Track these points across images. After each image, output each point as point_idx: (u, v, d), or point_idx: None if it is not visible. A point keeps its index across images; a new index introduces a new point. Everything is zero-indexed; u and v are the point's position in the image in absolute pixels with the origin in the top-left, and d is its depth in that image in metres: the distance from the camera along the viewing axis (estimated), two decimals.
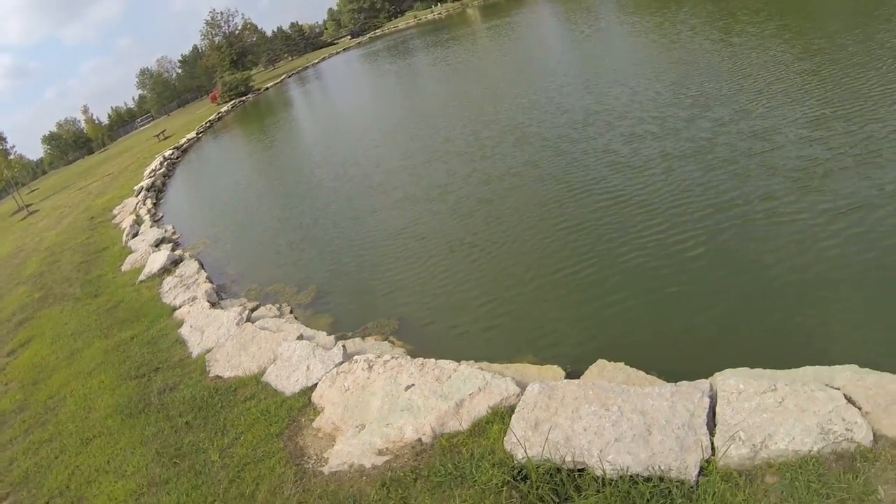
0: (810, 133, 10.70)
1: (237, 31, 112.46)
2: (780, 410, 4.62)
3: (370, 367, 7.01)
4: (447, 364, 6.62)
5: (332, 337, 8.80)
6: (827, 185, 8.91)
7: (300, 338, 8.64)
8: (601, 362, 6.37)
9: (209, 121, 58.71)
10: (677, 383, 5.42)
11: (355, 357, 7.40)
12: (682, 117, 13.41)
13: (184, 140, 47.34)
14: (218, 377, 8.65)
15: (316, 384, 7.32)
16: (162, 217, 23.98)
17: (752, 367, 5.57)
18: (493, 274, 9.80)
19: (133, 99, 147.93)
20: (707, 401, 4.94)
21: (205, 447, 7.04)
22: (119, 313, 13.03)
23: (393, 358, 7.05)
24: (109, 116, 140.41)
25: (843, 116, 10.95)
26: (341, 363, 7.43)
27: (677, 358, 6.64)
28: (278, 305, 11.08)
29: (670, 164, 11.29)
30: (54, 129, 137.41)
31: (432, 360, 6.81)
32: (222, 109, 67.25)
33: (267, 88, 79.71)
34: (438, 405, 5.99)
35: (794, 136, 10.73)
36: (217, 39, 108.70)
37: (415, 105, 29.25)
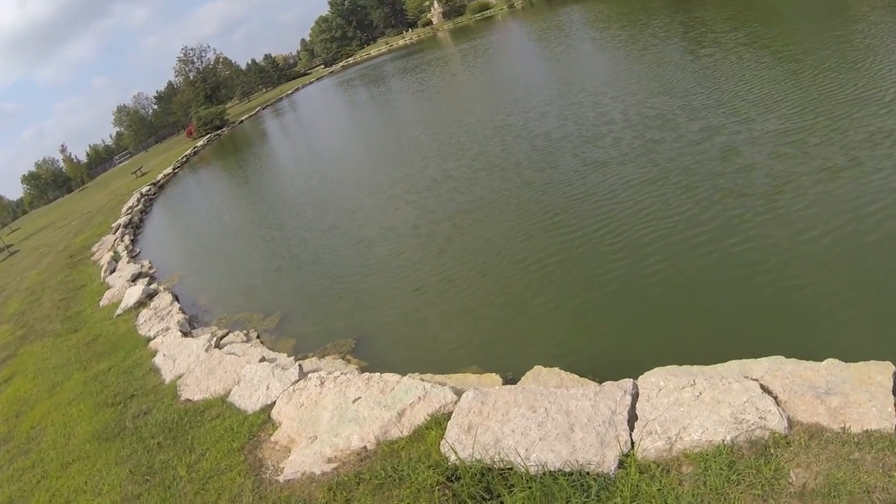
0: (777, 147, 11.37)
1: (210, 66, 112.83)
2: (697, 404, 5.05)
3: (322, 384, 7.65)
4: (391, 377, 7.27)
5: (291, 358, 9.44)
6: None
7: (262, 360, 9.27)
8: (537, 368, 7.01)
9: (185, 156, 59.21)
10: (602, 384, 5.93)
11: (309, 375, 8.07)
12: (650, 138, 14.03)
13: (160, 176, 47.88)
14: (188, 400, 9.25)
15: (275, 402, 7.94)
16: (139, 252, 24.50)
17: (680, 365, 6.11)
18: (443, 294, 10.54)
19: (111, 136, 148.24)
20: (629, 399, 5.42)
21: (174, 464, 7.63)
22: (97, 346, 13.55)
23: (343, 374, 7.70)
24: (88, 154, 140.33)
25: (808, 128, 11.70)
26: (297, 381, 8.07)
27: (612, 360, 7.22)
28: (246, 332, 11.73)
29: (628, 181, 12.09)
30: (33, 169, 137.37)
31: (378, 374, 7.45)
32: (198, 144, 67.73)
33: (242, 121, 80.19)
34: (382, 415, 6.61)
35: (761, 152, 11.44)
36: (191, 75, 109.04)
37: (386, 133, 30.06)
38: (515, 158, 15.98)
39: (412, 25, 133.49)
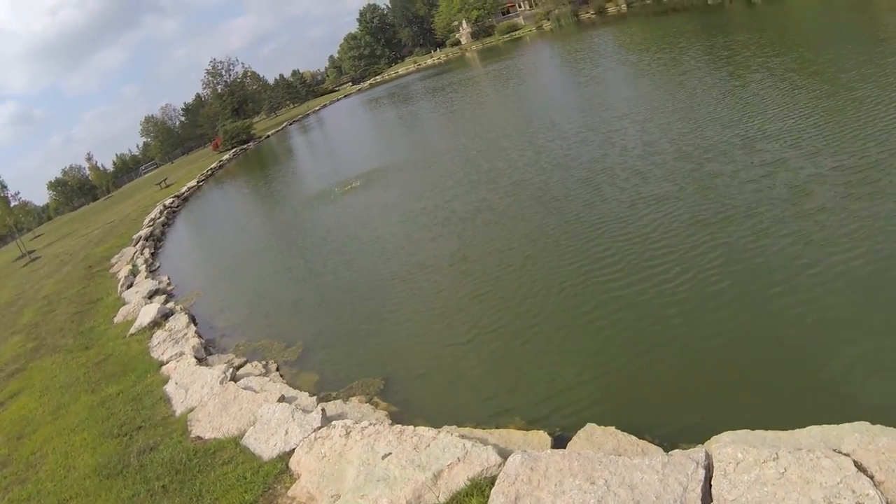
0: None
1: (238, 80, 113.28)
2: (783, 483, 4.30)
3: (348, 434, 6.85)
4: (426, 431, 6.45)
5: (313, 398, 8.66)
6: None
7: (281, 399, 8.49)
8: (590, 427, 6.19)
9: (210, 169, 59.11)
10: (670, 453, 5.18)
11: (333, 422, 7.25)
12: (707, 171, 12.90)
13: (184, 188, 47.55)
14: (198, 438, 8.51)
15: (293, 449, 7.15)
16: (159, 267, 23.96)
17: (753, 429, 5.35)
18: (483, 334, 9.62)
19: (137, 146, 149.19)
20: (702, 472, 4.64)
21: None
22: (108, 367, 12.92)
23: (371, 424, 6.89)
24: (114, 163, 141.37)
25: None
26: (319, 428, 7.26)
27: (673, 420, 6.44)
28: (265, 362, 10.98)
29: (670, 223, 11.13)
30: (60, 176, 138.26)
31: (411, 427, 6.64)
32: (224, 157, 67.67)
33: (268, 136, 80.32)
34: (415, 476, 5.81)
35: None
36: (219, 88, 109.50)
37: (415, 155, 29.10)
38: (557, 190, 14.97)
39: (440, 45, 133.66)
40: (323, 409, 7.71)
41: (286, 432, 7.46)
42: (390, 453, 6.26)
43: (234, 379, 10.04)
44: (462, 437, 6.28)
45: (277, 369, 10.75)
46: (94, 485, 8.20)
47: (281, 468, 7.07)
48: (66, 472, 8.89)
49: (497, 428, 6.93)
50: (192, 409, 9.34)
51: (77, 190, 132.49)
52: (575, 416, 6.80)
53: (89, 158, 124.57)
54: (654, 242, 10.39)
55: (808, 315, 7.29)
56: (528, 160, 18.73)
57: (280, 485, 6.83)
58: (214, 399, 9.22)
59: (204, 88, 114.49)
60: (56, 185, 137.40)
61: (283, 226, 23.84)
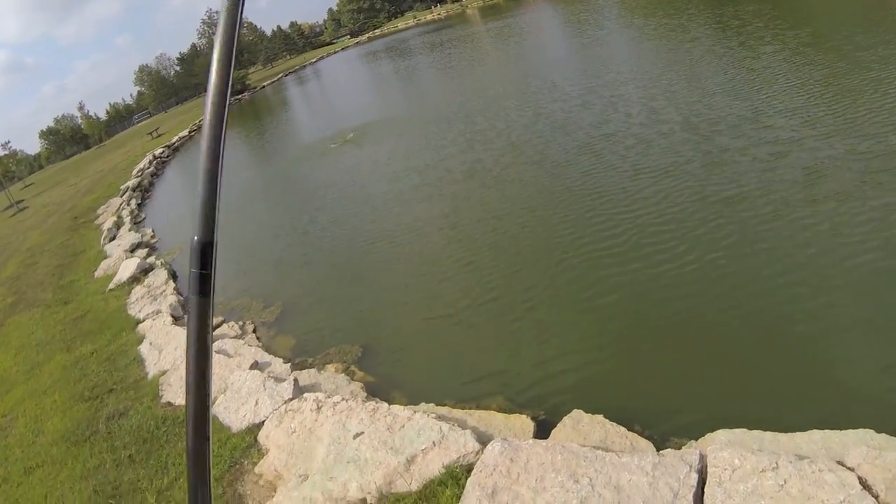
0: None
1: None
2: (782, 497, 3.91)
3: (319, 408, 6.44)
4: (401, 411, 6.03)
5: (287, 366, 8.25)
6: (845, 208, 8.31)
7: (254, 366, 8.10)
8: (577, 413, 5.73)
9: (202, 119, 58.18)
10: (661, 452, 4.78)
11: (305, 395, 6.82)
12: (716, 145, 11.93)
13: (175, 139, 46.88)
14: (169, 404, 8.14)
15: (263, 421, 6.77)
16: (144, 219, 23.51)
17: (751, 429, 4.92)
18: (471, 306, 9.03)
19: (131, 95, 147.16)
20: (695, 478, 4.24)
21: (143, 487, 6.53)
22: (84, 324, 12.57)
23: (343, 399, 6.45)
24: (108, 112, 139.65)
25: None
26: (290, 400, 6.85)
27: (666, 411, 5.94)
28: (241, 323, 10.57)
29: (675, 198, 10.38)
30: (52, 125, 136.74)
31: (385, 405, 6.23)
32: None
33: (263, 87, 79.44)
34: (388, 459, 5.42)
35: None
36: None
37: (411, 111, 28.40)
38: (557, 154, 14.17)
39: (441, 1, 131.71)
40: (295, 380, 7.29)
41: (256, 403, 7.07)
42: (362, 432, 5.86)
43: None
44: (439, 418, 5.88)
45: (254, 331, 10.34)
46: (61, 452, 7.88)
47: (249, 441, 6.69)
48: (35, 437, 8.58)
49: (478, 409, 6.50)
50: (164, 372, 8.97)
51: (69, 139, 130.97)
52: (561, 399, 6.30)
53: (81, 107, 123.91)
54: (657, 217, 9.64)
55: (816, 309, 6.67)
56: (527, 121, 17.98)
57: (247, 460, 6.46)
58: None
59: (200, 38, 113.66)
60: (48, 134, 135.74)
61: (272, 180, 23.28)
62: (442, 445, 5.41)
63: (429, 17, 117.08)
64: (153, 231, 20.12)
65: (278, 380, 7.49)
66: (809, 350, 6.14)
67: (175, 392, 8.28)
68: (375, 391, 7.42)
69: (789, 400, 5.61)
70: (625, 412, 5.78)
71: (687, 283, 7.80)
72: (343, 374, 7.78)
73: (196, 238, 1.14)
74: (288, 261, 13.65)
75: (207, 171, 1.14)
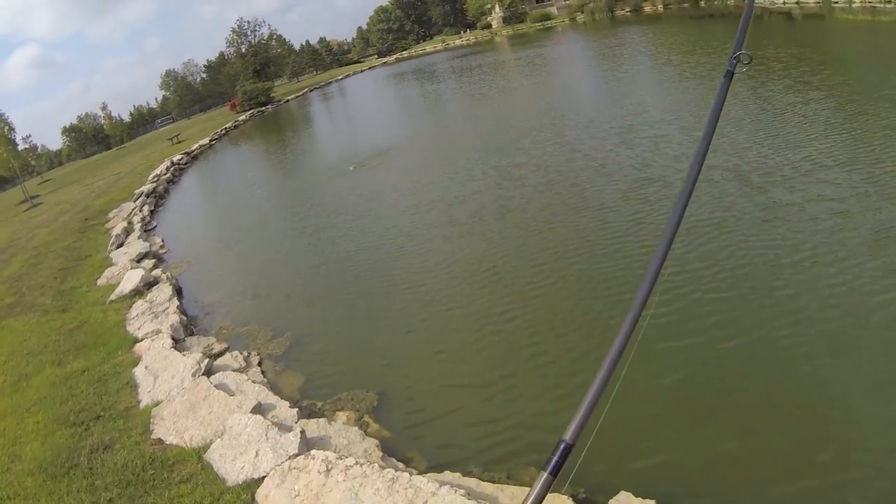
0: None
1: (263, 41, 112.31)
2: None
3: (328, 471, 5.59)
4: (424, 483, 5.15)
5: (293, 410, 7.39)
6: None
7: (257, 408, 7.27)
8: (625, 498, 4.92)
9: (225, 128, 57.91)
10: None
11: (313, 452, 5.97)
12: (746, 193, 11.21)
13: (195, 146, 46.31)
14: (159, 441, 7.31)
15: (263, 478, 5.92)
16: (155, 227, 22.78)
17: None
18: (510, 354, 8.15)
19: (156, 99, 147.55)
20: None
21: None
22: (80, 336, 11.80)
23: (357, 464, 5.59)
24: (131, 114, 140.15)
25: None
26: (296, 456, 6.02)
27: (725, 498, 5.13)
28: (247, 353, 9.72)
29: (736, 257, 9.27)
30: (75, 122, 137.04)
31: (406, 474, 5.34)
32: (240, 118, 66.57)
33: (288, 100, 79.34)
34: None
35: None
36: (243, 48, 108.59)
37: (435, 137, 27.72)
38: (595, 198, 13.08)
39: (471, 27, 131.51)
40: (302, 431, 6.42)
41: (257, 454, 6.22)
42: None
43: (210, 372, 8.84)
44: (468, 494, 5.01)
45: (259, 363, 9.49)
46: (36, 485, 7.03)
47: (246, 500, 5.84)
48: (11, 462, 7.76)
49: (509, 480, 5.67)
50: (157, 403, 8.14)
51: (91, 138, 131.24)
52: (605, 478, 5.42)
53: (104, 108, 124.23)
54: (715, 281, 8.50)
55: None
56: (563, 159, 16.97)
57: None
58: (183, 395, 8.00)
59: (228, 47, 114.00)
60: (70, 131, 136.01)
61: (292, 198, 22.24)
62: None
63: (457, 41, 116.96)
64: (163, 241, 19.39)
65: (283, 428, 6.66)
66: None
67: (167, 428, 7.45)
68: (391, 450, 6.56)
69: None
70: (675, 498, 4.97)
71: (755, 361, 6.80)
72: (356, 428, 6.89)
73: None
74: (303, 288, 12.75)
75: None
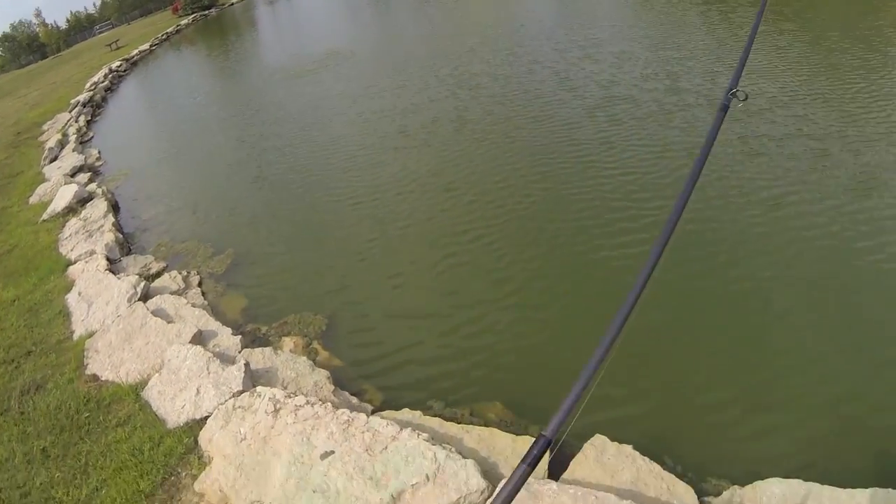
0: None
1: None
2: None
3: (276, 410, 4.95)
4: (383, 426, 4.55)
5: (237, 338, 6.71)
6: None
7: (197, 337, 6.59)
8: (600, 440, 4.46)
9: (166, 33, 55.35)
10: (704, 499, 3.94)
11: (258, 389, 5.32)
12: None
13: (135, 52, 44.04)
14: (94, 378, 6.63)
15: (206, 418, 5.30)
16: (92, 138, 21.42)
17: (806, 480, 3.90)
18: (471, 280, 7.46)
19: (94, 5, 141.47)
20: None
21: (57, 497, 5.07)
22: (10, 262, 10.91)
23: (308, 403, 4.95)
24: (68, 21, 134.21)
25: None
26: (241, 393, 5.38)
27: (703, 443, 4.73)
28: (186, 273, 8.97)
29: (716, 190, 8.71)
30: (7, 31, 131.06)
31: (362, 416, 4.71)
32: (182, 22, 63.66)
33: (233, 4, 76.22)
34: (367, 494, 4.03)
35: None
36: None
37: (387, 42, 26.51)
38: (566, 114, 12.12)
39: None
40: (247, 364, 5.74)
41: (198, 391, 5.56)
42: (333, 452, 4.42)
43: (147, 296, 8.10)
44: (432, 438, 4.45)
45: (200, 284, 8.76)
46: None
47: (188, 444, 5.23)
48: None
49: (473, 418, 5.16)
50: (91, 334, 7.41)
51: (26, 47, 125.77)
52: (581, 415, 4.85)
53: (38, 14, 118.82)
54: (691, 213, 7.98)
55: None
56: (523, 69, 16.00)
57: (186, 470, 5.03)
58: (119, 324, 7.27)
59: None
60: (3, 41, 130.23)
61: (236, 105, 20.77)
62: (437, 481, 4.04)
63: None
64: (99, 153, 18.16)
65: (225, 360, 6.01)
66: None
67: (102, 362, 6.76)
68: (343, 382, 5.95)
69: (848, 451, 4.47)
70: (657, 440, 4.60)
71: (730, 304, 6.26)
72: (304, 358, 6.21)
73: None
74: (246, 200, 11.82)
75: None
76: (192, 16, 69.37)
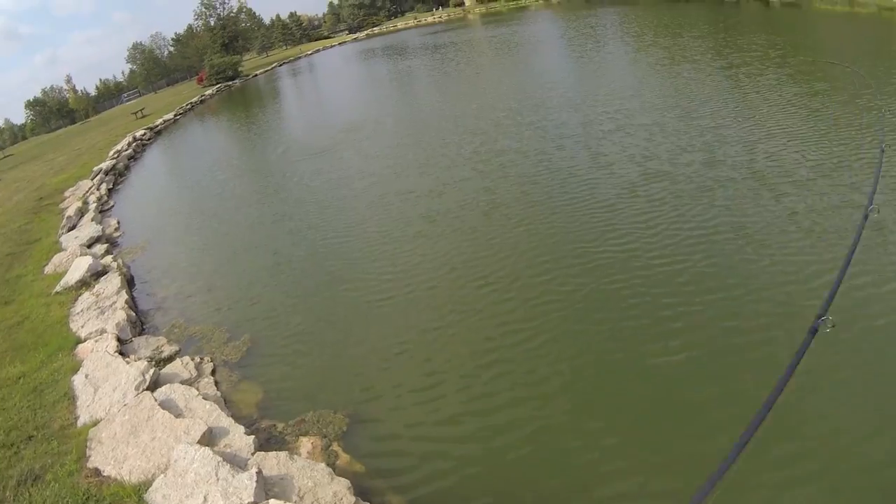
0: None
1: (232, 14, 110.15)
2: None
3: None
4: None
5: (250, 438, 6.30)
6: None
7: (206, 436, 6.21)
8: None
9: (190, 103, 56.13)
10: None
11: (271, 502, 4.93)
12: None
13: (159, 121, 44.58)
14: (95, 472, 6.24)
15: None
16: (112, 207, 21.42)
17: None
18: (515, 376, 7.02)
19: (123, 73, 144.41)
20: None
21: None
22: (20, 334, 10.62)
23: None
24: (97, 88, 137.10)
25: None
26: None
27: None
28: (198, 359, 8.64)
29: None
30: (39, 96, 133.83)
31: None
32: (206, 92, 64.74)
33: (256, 75, 77.79)
34: None
35: None
36: (211, 21, 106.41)
37: (404, 112, 26.61)
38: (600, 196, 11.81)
39: (443, 4, 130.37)
40: (259, 471, 5.35)
41: (205, 499, 5.16)
42: None
43: (157, 383, 7.76)
44: None
45: (213, 372, 8.41)
46: None
47: None
48: None
49: None
50: (96, 423, 7.06)
51: (55, 112, 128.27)
52: None
53: (69, 81, 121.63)
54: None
55: None
56: (552, 145, 15.78)
57: None
58: (125, 414, 6.91)
59: (196, 19, 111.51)
60: (34, 105, 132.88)
61: (257, 182, 20.64)
62: None
63: (429, 19, 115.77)
64: (118, 223, 18.10)
65: (237, 464, 5.62)
66: None
67: (105, 455, 6.38)
68: (366, 491, 5.53)
69: None
70: None
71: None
72: (323, 464, 5.78)
73: None
74: (266, 282, 11.53)
75: None
76: (217, 86, 70.61)
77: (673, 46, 28.31)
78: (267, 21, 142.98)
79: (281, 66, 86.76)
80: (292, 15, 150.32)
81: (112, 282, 11.80)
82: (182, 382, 7.82)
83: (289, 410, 7.23)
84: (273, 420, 7.12)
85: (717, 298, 7.55)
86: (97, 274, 12.43)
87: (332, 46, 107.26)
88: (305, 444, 6.38)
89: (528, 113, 20.14)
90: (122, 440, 6.51)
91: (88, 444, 6.71)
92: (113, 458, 6.31)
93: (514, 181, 13.67)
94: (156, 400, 7.07)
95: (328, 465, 5.89)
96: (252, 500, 5.02)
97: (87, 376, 8.18)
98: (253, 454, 6.00)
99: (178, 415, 6.80)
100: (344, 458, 6.16)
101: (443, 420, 6.62)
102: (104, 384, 7.82)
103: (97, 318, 10.23)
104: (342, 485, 5.42)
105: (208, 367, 8.50)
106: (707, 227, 9.51)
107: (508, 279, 9.33)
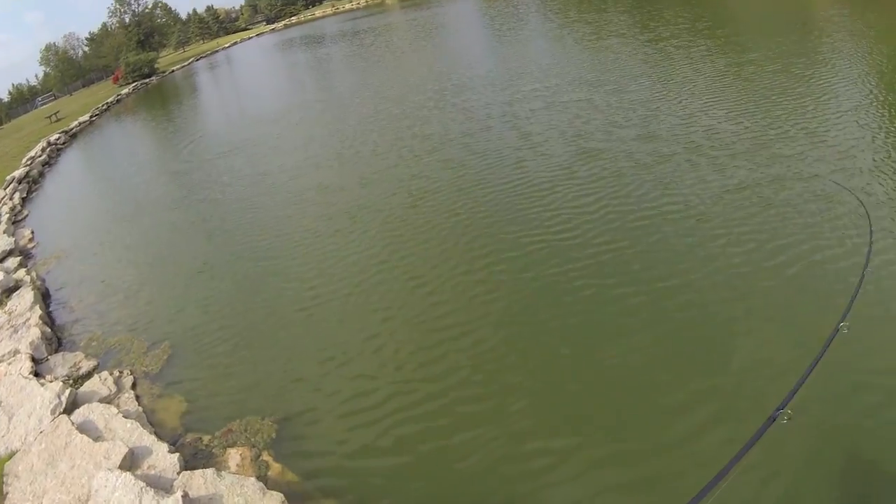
0: None
1: (147, 10, 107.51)
2: None
3: None
4: None
5: (174, 457, 5.92)
6: None
7: (128, 459, 5.81)
8: None
9: (106, 103, 54.51)
10: None
11: None
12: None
13: (75, 123, 43.08)
14: None
15: None
16: (26, 216, 20.42)
17: None
18: (446, 374, 6.78)
19: (37, 76, 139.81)
20: None
21: None
22: None
23: None
24: (10, 93, 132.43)
25: None
26: None
27: None
28: (118, 373, 8.17)
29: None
30: None
31: None
32: (122, 91, 62.96)
33: (173, 71, 76.03)
34: None
35: None
36: (126, 18, 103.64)
37: (318, 99, 26.25)
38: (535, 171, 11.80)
39: None
40: (185, 493, 4.99)
41: None
42: None
43: (74, 404, 7.29)
44: None
45: (133, 386, 7.95)
46: None
47: None
48: None
49: None
50: (12, 455, 6.58)
51: None
52: None
53: None
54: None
55: None
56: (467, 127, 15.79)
57: None
58: (41, 442, 6.47)
59: (111, 17, 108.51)
60: None
61: (177, 181, 19.77)
62: None
63: (347, 6, 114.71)
64: (32, 233, 17.25)
65: (161, 488, 5.27)
66: None
67: (23, 491, 5.94)
68: (300, 502, 5.20)
69: None
70: None
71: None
72: (254, 479, 5.43)
73: None
74: (187, 283, 11.12)
75: None
76: (133, 84, 68.89)
77: (599, 21, 28.40)
78: (184, 16, 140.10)
79: (198, 60, 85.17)
80: (209, 9, 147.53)
81: (25, 297, 11.17)
82: (101, 401, 7.37)
83: (215, 420, 6.87)
84: (198, 433, 6.74)
85: (673, 285, 7.35)
86: (9, 290, 11.77)
87: (249, 38, 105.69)
88: (234, 456, 6.03)
89: (451, 96, 19.94)
90: (40, 472, 6.07)
91: (5, 479, 6.26)
92: (31, 492, 5.88)
93: (441, 167, 13.40)
94: (73, 423, 6.63)
95: (259, 478, 5.59)
96: None
97: (0, 403, 7.66)
98: (179, 474, 5.63)
99: (98, 437, 6.38)
100: (275, 469, 5.85)
101: (376, 420, 6.34)
102: (19, 410, 7.33)
103: (10, 337, 9.66)
104: (275, 499, 5.09)
105: (128, 380, 8.04)
106: (652, 206, 9.37)
107: (442, 276, 8.97)
